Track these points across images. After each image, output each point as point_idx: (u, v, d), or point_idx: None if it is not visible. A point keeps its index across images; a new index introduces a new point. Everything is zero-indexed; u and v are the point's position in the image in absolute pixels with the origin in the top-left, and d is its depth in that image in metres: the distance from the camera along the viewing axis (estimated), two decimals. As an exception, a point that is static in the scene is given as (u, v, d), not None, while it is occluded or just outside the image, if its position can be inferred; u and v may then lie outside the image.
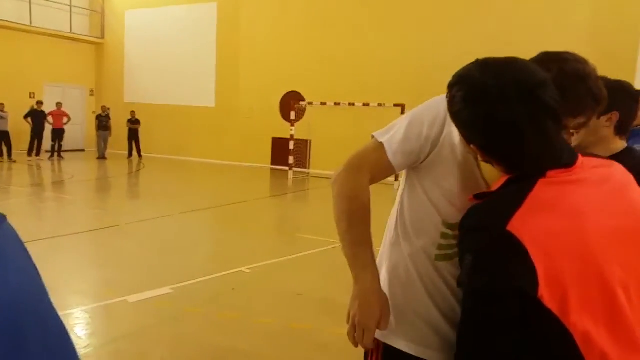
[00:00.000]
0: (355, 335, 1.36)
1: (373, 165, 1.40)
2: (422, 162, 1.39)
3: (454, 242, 1.32)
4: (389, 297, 1.40)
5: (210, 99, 17.17)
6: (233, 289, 5.07)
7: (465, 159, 1.35)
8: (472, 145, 1.17)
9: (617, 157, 1.62)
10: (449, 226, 1.36)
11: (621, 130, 1.88)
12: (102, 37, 19.51)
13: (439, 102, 1.32)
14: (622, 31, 11.14)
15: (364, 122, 13.43)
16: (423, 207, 1.41)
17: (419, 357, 1.42)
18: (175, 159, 17.25)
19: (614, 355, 1.03)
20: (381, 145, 1.39)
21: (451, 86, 1.15)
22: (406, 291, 1.44)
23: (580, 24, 11.60)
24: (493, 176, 1.22)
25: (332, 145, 14.14)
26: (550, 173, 1.11)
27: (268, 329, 4.13)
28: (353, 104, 13.13)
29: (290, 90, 15.39)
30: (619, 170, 1.21)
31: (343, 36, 14.50)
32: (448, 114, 1.23)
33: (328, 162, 13.83)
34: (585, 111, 1.35)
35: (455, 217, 1.27)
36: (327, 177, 13.35)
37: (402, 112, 11.97)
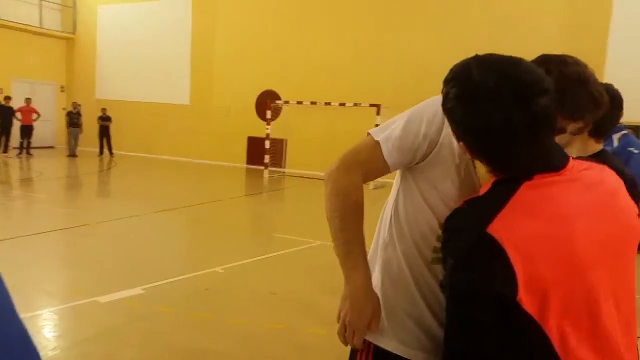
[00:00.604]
0: (346, 335, 1.35)
1: (367, 163, 1.37)
2: (418, 163, 1.36)
3: None
4: (380, 297, 1.39)
5: (184, 96, 16.97)
6: (206, 289, 5.00)
7: (462, 160, 1.33)
8: (461, 143, 1.14)
9: (592, 159, 1.62)
10: None
11: (597, 133, 1.88)
12: (74, 32, 19.12)
13: (439, 101, 1.27)
14: (590, 32, 11.40)
15: (339, 122, 13.51)
16: (419, 208, 1.38)
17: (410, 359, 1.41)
18: (148, 157, 16.99)
19: None
20: (377, 143, 1.36)
21: (447, 81, 1.11)
22: (399, 292, 1.42)
23: (550, 26, 11.84)
24: (487, 179, 1.19)
25: (308, 145, 14.15)
26: (536, 176, 1.08)
27: (242, 330, 4.08)
28: (329, 104, 13.14)
29: (266, 89, 15.32)
30: (610, 175, 1.19)
31: (320, 35, 14.51)
32: None
33: (304, 161, 13.87)
34: (585, 115, 1.33)
35: None
36: (302, 177, 13.36)
37: (378, 113, 12.01)
